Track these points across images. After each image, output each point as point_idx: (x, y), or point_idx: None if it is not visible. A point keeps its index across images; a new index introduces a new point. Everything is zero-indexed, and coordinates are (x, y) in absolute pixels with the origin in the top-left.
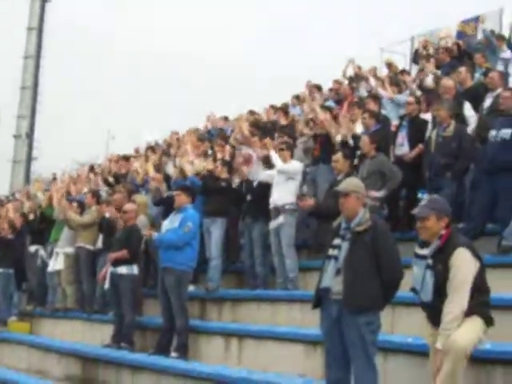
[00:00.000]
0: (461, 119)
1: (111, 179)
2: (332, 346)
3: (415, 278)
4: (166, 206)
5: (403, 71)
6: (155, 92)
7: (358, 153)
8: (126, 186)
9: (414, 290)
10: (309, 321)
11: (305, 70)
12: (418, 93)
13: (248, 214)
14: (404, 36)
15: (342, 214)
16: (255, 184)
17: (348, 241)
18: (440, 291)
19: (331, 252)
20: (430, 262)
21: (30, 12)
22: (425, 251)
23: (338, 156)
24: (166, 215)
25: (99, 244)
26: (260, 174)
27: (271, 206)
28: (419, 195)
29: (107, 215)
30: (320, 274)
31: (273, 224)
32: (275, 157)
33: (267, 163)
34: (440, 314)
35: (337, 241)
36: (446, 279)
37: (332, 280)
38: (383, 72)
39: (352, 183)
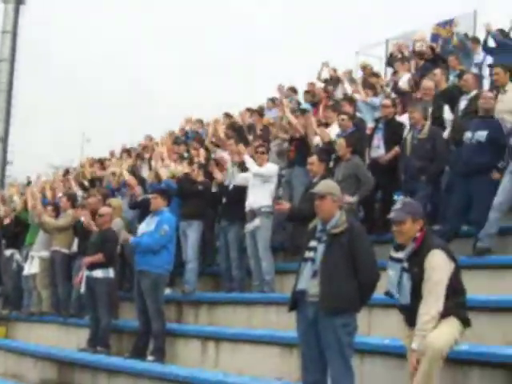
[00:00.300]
0: (439, 122)
1: (86, 183)
2: (308, 348)
3: (390, 281)
4: (142, 210)
5: (377, 74)
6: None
7: (334, 156)
8: (100, 189)
9: (388, 293)
10: (285, 323)
11: (280, 73)
12: (393, 95)
13: (224, 217)
14: (379, 39)
15: (317, 216)
16: (230, 187)
17: (324, 243)
18: (417, 293)
19: (307, 254)
20: (405, 265)
21: (4, 15)
22: (400, 254)
23: (314, 159)
24: (141, 218)
25: (74, 247)
26: (235, 177)
27: (247, 208)
28: (395, 197)
29: (82, 219)
30: (296, 276)
31: (249, 227)
32: (250, 161)
33: (242, 166)
34: (415, 315)
35: (313, 243)
36: (421, 281)
37: (308, 282)
38: (358, 75)
39: (328, 185)
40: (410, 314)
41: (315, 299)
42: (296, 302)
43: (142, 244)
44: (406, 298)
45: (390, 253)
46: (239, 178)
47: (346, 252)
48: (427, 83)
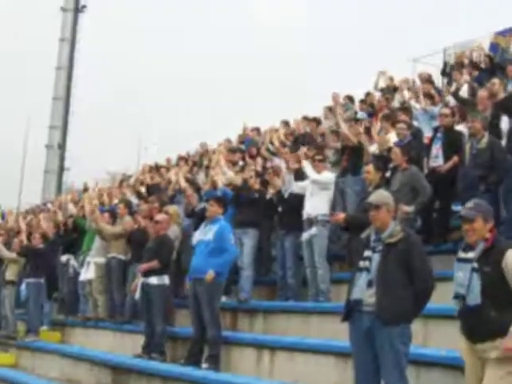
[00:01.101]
0: (496, 132)
1: (143, 190)
2: (362, 358)
3: (459, 282)
4: (198, 218)
5: (434, 83)
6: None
7: (391, 165)
8: (158, 197)
9: (457, 296)
10: (340, 333)
11: (336, 83)
12: (452, 103)
13: (280, 226)
14: (436, 47)
15: (372, 225)
16: (286, 195)
17: (379, 252)
18: (487, 293)
19: (362, 264)
20: (475, 265)
21: (63, 23)
22: (470, 254)
23: (370, 167)
24: (197, 226)
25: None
26: (292, 186)
27: (304, 217)
28: (453, 207)
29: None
30: (349, 285)
31: (305, 235)
32: (309, 168)
33: (298, 175)
34: (484, 320)
35: (367, 253)
36: (493, 282)
37: (364, 292)
38: (416, 83)
39: (382, 195)
40: (475, 317)
41: (371, 309)
42: (350, 311)
43: (224, 265)
44: (476, 299)
45: (457, 255)
46: (296, 187)
47: (401, 261)
48: (481, 93)
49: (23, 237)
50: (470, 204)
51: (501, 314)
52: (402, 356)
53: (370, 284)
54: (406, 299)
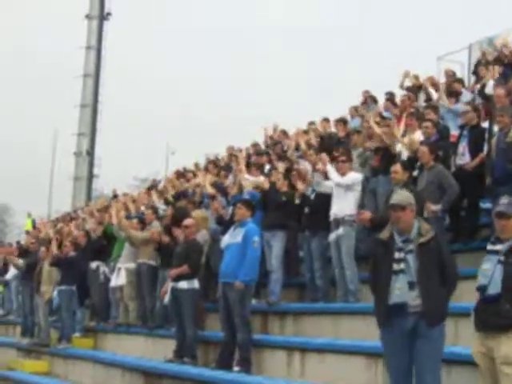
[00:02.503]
0: None
1: (171, 197)
2: (399, 359)
3: (483, 273)
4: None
5: (460, 80)
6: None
7: (418, 164)
8: (189, 200)
9: (480, 287)
10: (371, 333)
11: (359, 83)
12: (478, 100)
13: (306, 227)
14: (462, 44)
15: (396, 226)
16: (312, 197)
17: (412, 253)
18: (507, 284)
19: (396, 267)
20: (502, 257)
21: (88, 31)
22: (498, 247)
23: (398, 167)
24: (225, 229)
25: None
26: (321, 185)
27: (331, 218)
28: (481, 205)
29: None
30: (382, 289)
31: (333, 236)
32: (331, 171)
33: (326, 175)
34: (500, 312)
35: (399, 254)
36: None
37: (406, 294)
38: (441, 81)
39: (406, 196)
40: (492, 308)
41: (415, 310)
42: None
43: (246, 272)
44: (497, 287)
45: (487, 247)
46: (324, 186)
47: (435, 260)
48: (498, 91)
49: (53, 247)
50: (505, 200)
51: None
52: (440, 356)
53: (411, 286)
54: (445, 298)
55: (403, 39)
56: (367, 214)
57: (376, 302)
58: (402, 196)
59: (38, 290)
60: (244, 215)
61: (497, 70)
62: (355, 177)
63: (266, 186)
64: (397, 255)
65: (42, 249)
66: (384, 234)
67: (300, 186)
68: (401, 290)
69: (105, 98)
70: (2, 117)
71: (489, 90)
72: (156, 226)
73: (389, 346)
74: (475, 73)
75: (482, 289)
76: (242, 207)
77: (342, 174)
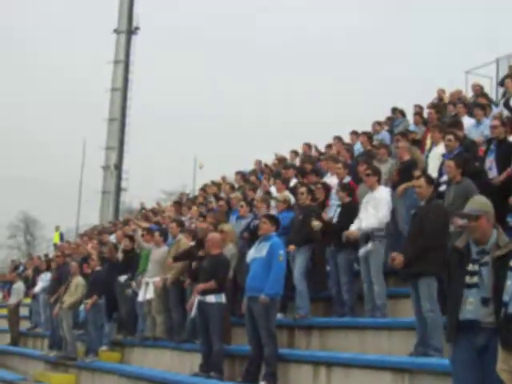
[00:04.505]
0: None
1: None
2: (466, 377)
3: (507, 290)
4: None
5: (487, 94)
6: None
7: (444, 178)
8: (214, 215)
9: (503, 304)
10: (397, 348)
11: (384, 96)
12: (505, 113)
13: (333, 241)
14: (489, 58)
15: (471, 236)
16: (338, 211)
17: (488, 266)
18: None
19: (470, 280)
20: None
21: (116, 45)
22: None
23: (421, 181)
24: (251, 243)
25: None
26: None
27: (360, 232)
28: (508, 219)
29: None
30: (453, 303)
31: (362, 251)
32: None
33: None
34: None
35: (473, 267)
36: None
37: (479, 311)
38: (469, 95)
39: (480, 203)
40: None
41: (489, 326)
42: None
43: (272, 285)
44: None
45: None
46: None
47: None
48: None
49: (92, 261)
50: None
51: None
52: None
53: (484, 302)
54: None
55: (431, 52)
56: (399, 259)
57: (447, 316)
58: (475, 204)
59: (61, 301)
60: (268, 230)
61: None
62: (383, 192)
63: (292, 200)
64: (471, 267)
65: (73, 263)
66: (460, 242)
67: (315, 222)
68: (473, 306)
69: (133, 112)
70: (31, 130)
71: None
72: (182, 240)
73: (458, 362)
74: (502, 84)
75: (505, 305)
76: (267, 222)
77: (370, 188)
